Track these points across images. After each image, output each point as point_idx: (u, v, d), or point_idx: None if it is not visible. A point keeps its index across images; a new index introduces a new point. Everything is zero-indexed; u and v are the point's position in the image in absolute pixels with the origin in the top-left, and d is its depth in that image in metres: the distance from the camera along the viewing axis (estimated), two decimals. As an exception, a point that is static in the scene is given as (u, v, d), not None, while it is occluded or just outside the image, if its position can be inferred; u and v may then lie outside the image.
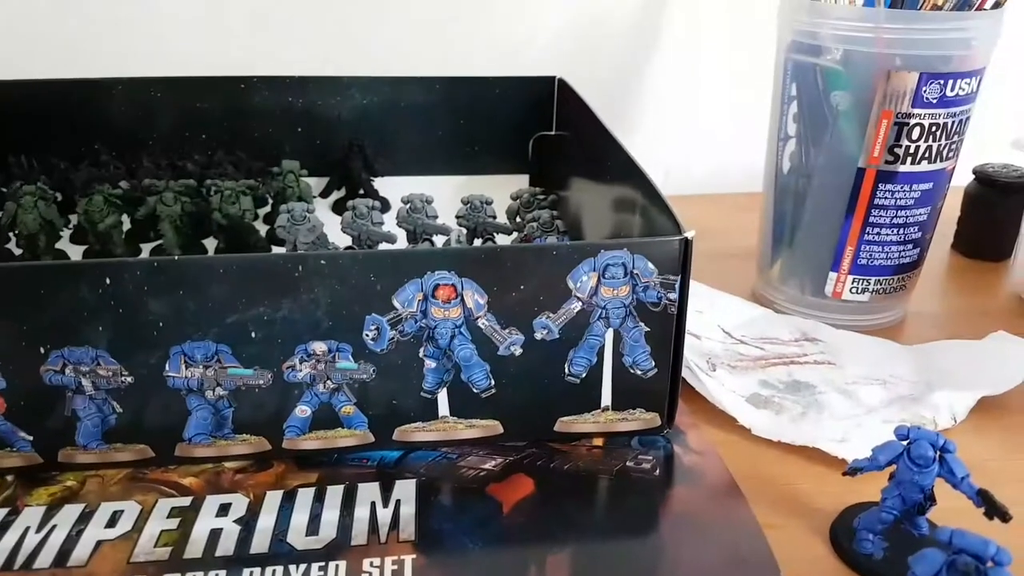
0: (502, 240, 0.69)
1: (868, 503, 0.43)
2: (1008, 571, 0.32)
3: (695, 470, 0.47)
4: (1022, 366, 0.54)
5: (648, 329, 0.46)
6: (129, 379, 0.43)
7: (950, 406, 0.52)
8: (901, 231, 0.60)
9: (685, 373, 0.53)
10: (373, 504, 0.44)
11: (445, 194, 0.72)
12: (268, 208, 0.78)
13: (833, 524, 0.43)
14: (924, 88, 0.55)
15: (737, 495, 0.45)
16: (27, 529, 0.42)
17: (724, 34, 0.92)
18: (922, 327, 0.65)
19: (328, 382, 0.45)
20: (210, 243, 0.73)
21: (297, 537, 0.42)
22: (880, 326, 0.64)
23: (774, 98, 0.63)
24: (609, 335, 0.46)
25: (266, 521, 0.43)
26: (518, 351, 0.45)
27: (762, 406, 0.53)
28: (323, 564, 0.40)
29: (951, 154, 0.59)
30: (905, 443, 0.39)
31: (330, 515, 0.43)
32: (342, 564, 0.40)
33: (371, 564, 0.40)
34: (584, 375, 0.47)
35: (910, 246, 0.61)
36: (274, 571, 0.40)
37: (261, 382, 0.44)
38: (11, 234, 0.70)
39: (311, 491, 0.45)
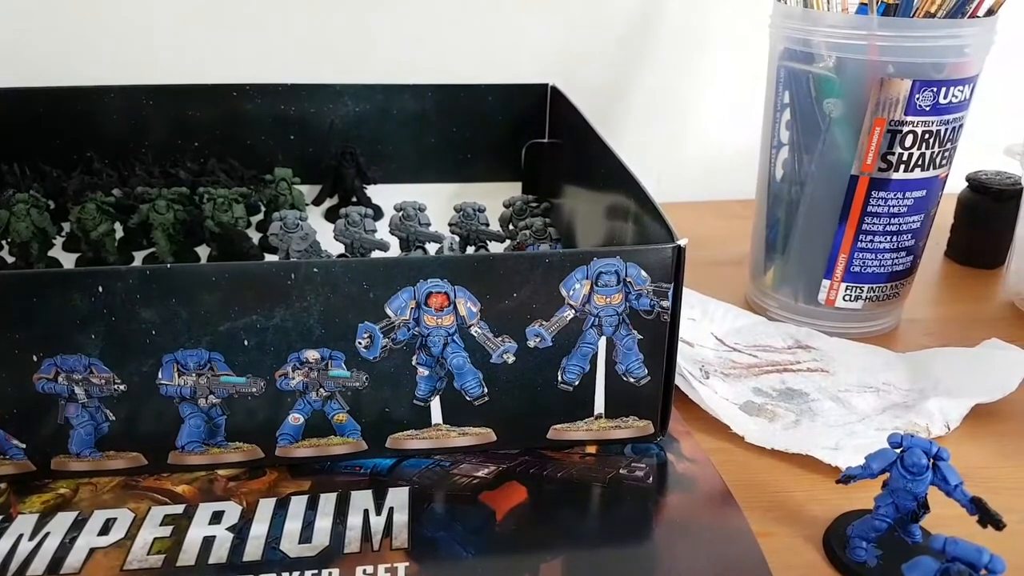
0: (495, 248, 0.69)
1: (861, 511, 0.43)
2: (1001, 579, 0.32)
3: (688, 478, 0.47)
4: (1015, 374, 0.54)
5: (641, 337, 0.46)
6: (122, 387, 0.43)
7: (943, 414, 0.53)
8: (894, 239, 0.60)
9: (678, 381, 0.53)
10: (366, 512, 0.44)
11: (438, 202, 0.72)
12: (261, 216, 0.78)
13: (826, 532, 0.43)
14: (917, 95, 0.55)
15: (730, 503, 0.45)
16: (20, 536, 0.42)
17: (717, 41, 0.92)
18: (915, 335, 0.65)
19: (321, 390, 0.45)
20: (203, 251, 0.73)
21: (290, 545, 0.42)
22: (873, 334, 0.64)
23: (767, 105, 0.63)
24: (602, 343, 0.46)
25: (259, 529, 0.43)
26: (511, 359, 0.45)
27: (755, 414, 0.53)
28: (316, 572, 0.40)
29: (944, 161, 0.59)
30: (898, 451, 0.40)
31: (323, 523, 0.43)
32: (335, 572, 0.40)
33: (364, 572, 0.40)
34: (577, 383, 0.47)
35: (903, 253, 0.62)
36: (267, 579, 0.40)
37: (254, 390, 0.44)
38: (4, 242, 0.70)
39: (304, 499, 0.45)
